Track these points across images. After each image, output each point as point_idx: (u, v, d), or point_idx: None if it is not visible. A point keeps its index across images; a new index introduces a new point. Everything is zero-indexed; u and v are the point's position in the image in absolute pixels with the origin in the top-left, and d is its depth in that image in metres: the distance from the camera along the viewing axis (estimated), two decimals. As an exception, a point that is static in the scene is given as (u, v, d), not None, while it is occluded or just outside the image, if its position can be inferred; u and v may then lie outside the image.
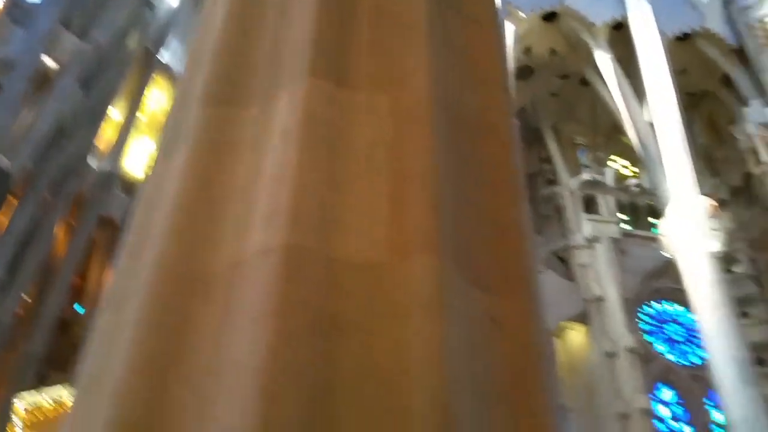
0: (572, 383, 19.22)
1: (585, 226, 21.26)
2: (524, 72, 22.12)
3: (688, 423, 19.98)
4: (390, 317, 1.24)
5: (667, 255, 17.27)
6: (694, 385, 20.11)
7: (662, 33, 20.66)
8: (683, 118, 18.55)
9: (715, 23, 23.52)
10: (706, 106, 25.55)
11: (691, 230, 16.63)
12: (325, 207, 1.36)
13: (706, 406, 19.87)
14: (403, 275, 1.29)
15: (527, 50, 22.06)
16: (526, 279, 1.53)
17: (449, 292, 1.27)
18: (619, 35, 20.81)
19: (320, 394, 1.10)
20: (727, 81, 24.08)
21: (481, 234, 1.51)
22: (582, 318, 19.89)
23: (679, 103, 18.64)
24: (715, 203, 16.99)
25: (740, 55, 23.32)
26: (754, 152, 20.35)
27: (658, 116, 18.78)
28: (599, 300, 19.81)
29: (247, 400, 1.06)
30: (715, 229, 16.17)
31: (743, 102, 22.86)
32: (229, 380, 1.11)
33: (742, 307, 18.45)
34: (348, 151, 1.48)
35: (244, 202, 1.43)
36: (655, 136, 18.93)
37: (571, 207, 22.16)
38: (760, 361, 17.71)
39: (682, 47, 23.09)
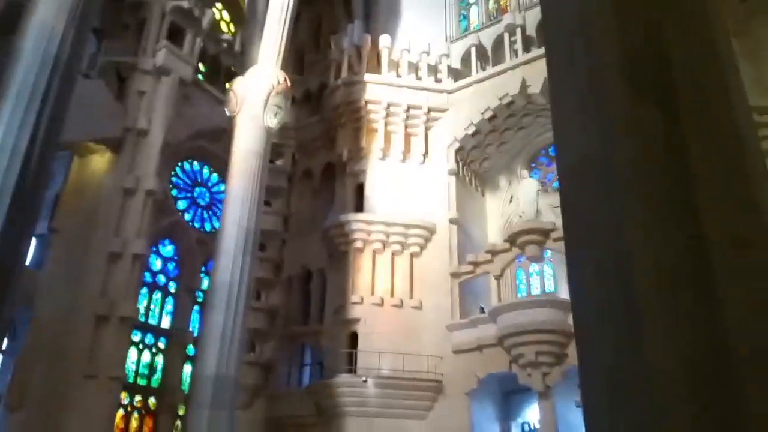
0: (74, 206, 16.83)
1: (161, 54, 18.77)
2: None
3: (175, 280, 20.09)
4: None
5: (228, 114, 16.51)
6: (197, 249, 20.33)
7: None
8: (295, 5, 17.99)
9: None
10: (320, 7, 26.10)
11: (256, 100, 16.25)
12: None
13: (202, 273, 20.34)
14: None
15: None
16: None
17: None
18: None
19: None
20: (346, -7, 25.09)
21: None
22: (114, 145, 17.53)
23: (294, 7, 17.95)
24: (288, 80, 16.88)
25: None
26: (338, 67, 21.46)
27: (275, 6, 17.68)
28: (140, 133, 17.80)
29: None
30: (277, 106, 16.06)
31: (350, 18, 24.11)
32: None
33: (269, 196, 19.37)
34: None
35: None
36: (266, 8, 17.86)
37: (155, 28, 19.28)
38: (262, 247, 18.96)
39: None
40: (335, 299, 18.71)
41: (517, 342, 15.31)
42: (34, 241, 15.85)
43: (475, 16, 23.27)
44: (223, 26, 24.60)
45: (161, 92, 18.68)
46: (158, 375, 18.98)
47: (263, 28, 17.74)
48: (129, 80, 18.61)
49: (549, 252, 18.18)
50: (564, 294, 17.08)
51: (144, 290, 18.85)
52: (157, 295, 19.60)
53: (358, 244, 18.58)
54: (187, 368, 18.89)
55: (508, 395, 17.61)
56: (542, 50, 19.96)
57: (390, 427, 16.20)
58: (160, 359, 19.13)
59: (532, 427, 17.11)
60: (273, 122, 16.18)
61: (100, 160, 17.61)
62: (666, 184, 2.31)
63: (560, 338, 15.01)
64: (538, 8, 20.76)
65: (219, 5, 24.33)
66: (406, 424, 16.36)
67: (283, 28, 17.46)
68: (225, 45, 22.67)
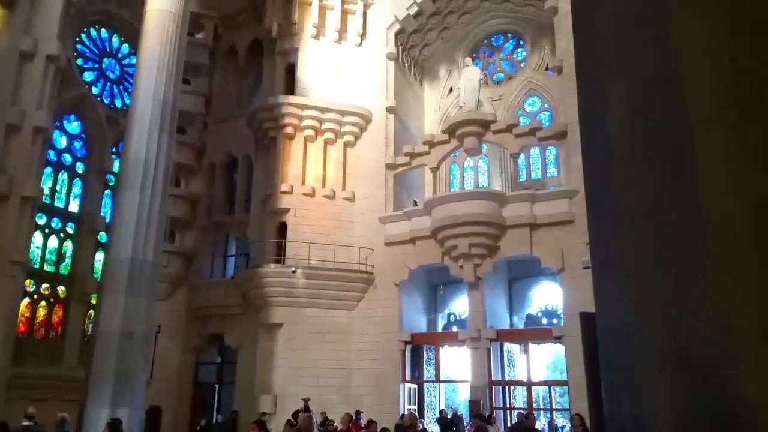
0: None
1: None
2: None
3: (83, 161, 18.27)
4: None
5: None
6: (107, 127, 18.43)
7: None
8: None
9: None
10: None
11: None
12: None
13: (113, 154, 18.54)
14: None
15: None
16: None
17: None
18: None
19: None
20: None
21: None
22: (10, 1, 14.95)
23: None
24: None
25: None
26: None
27: None
28: (36, -11, 15.24)
29: None
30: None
31: None
32: None
33: (188, 74, 17.53)
34: None
35: None
36: None
37: None
38: (181, 130, 17.28)
39: None
40: (263, 188, 17.67)
41: (451, 234, 15.05)
42: None
43: None
44: None
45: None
46: (68, 262, 17.65)
47: None
48: None
49: (486, 146, 17.75)
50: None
51: (48, 170, 17.03)
52: (64, 176, 17.83)
53: (289, 130, 17.35)
54: (100, 256, 17.62)
55: (436, 288, 17.65)
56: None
57: (318, 316, 15.92)
58: (69, 245, 17.72)
59: (459, 317, 17.36)
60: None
61: (-14, 17, 15.07)
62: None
63: (494, 230, 14.86)
64: None
65: None
66: (334, 314, 16.13)
67: None
68: None
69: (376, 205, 16.96)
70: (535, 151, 18.16)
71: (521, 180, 17.68)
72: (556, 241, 14.26)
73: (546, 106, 18.40)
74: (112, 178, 18.19)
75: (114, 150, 18.61)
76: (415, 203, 17.03)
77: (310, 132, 17.50)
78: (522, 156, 17.43)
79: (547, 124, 17.10)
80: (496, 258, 14.93)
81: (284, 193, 16.83)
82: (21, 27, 14.98)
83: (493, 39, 20.23)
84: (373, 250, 16.51)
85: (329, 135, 17.66)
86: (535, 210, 14.74)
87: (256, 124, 18.06)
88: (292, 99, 17.60)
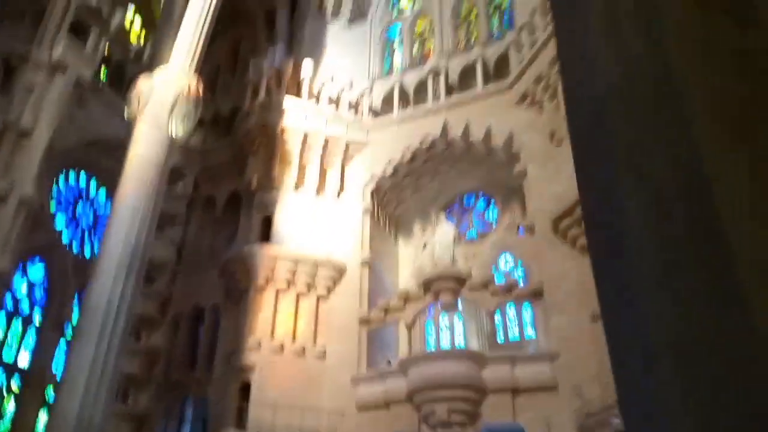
0: None
1: (59, 48, 16.51)
2: None
3: (42, 309, 17.31)
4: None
5: (127, 118, 14.62)
6: (72, 276, 17.76)
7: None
8: (215, 11, 16.55)
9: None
10: (240, 29, 24.85)
11: (162, 101, 14.43)
12: None
13: (74, 304, 17.69)
14: None
15: None
16: None
17: None
18: None
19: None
20: (270, 16, 24.07)
21: None
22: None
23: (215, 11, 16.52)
24: (200, 87, 15.18)
25: (293, 0, 23.59)
26: (255, 89, 20.10)
27: (194, 8, 16.17)
28: (23, 133, 15.30)
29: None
30: (186, 114, 14.34)
31: (272, 43, 23.02)
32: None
33: (163, 222, 17.41)
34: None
35: None
36: (183, 11, 16.38)
37: (56, 19, 17.08)
38: (149, 279, 16.75)
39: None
40: (228, 344, 16.79)
41: (429, 398, 14.13)
42: None
43: (398, 59, 22.91)
44: (134, 36, 22.51)
45: (53, 90, 16.37)
46: (6, 424, 15.95)
47: (177, 32, 16.14)
48: (18, 72, 16.22)
49: (461, 303, 17.43)
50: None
51: (1, 316, 16.01)
52: (17, 325, 16.74)
53: (261, 281, 16.91)
54: (44, 417, 16.02)
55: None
56: (464, 95, 20.15)
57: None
58: (11, 404, 16.15)
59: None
60: (179, 131, 14.38)
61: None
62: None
63: (474, 394, 14.02)
64: (462, 55, 21.37)
65: (131, 9, 22.25)
66: (298, 487, 14.55)
67: (201, 32, 15.78)
68: (133, 53, 20.70)
69: (347, 363, 16.09)
70: (510, 310, 17.86)
71: (499, 341, 17.17)
72: (540, 409, 13.44)
73: (518, 263, 18.45)
74: (71, 330, 17.14)
75: (76, 300, 17.74)
76: (389, 363, 16.21)
77: (282, 284, 17.07)
78: (498, 314, 17.09)
79: (521, 282, 17.00)
80: (477, 427, 13.92)
81: (251, 349, 15.93)
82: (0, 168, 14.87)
83: (464, 198, 20.79)
84: (343, 415, 15.33)
85: (301, 288, 17.24)
86: (516, 372, 14.06)
87: (228, 275, 17.63)
88: (266, 248, 17.38)
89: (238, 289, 17.37)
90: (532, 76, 17.12)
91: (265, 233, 18.33)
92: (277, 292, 16.99)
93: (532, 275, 16.68)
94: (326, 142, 19.24)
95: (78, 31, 17.49)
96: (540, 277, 14.93)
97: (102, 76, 19.24)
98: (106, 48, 18.78)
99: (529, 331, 17.03)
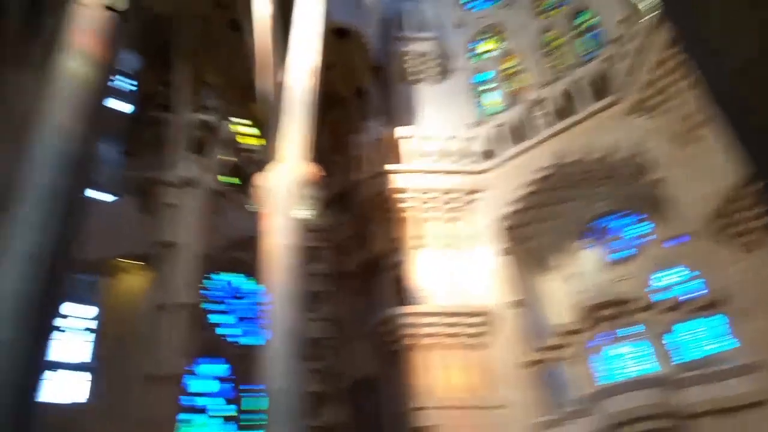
0: (113, 332, 15.28)
1: (185, 165, 18.06)
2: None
3: (228, 401, 18.11)
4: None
5: (250, 209, 15.43)
6: (248, 364, 18.52)
7: (327, 17, 19.49)
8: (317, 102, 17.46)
9: (372, 37, 24.16)
10: (336, 112, 25.98)
11: (283, 191, 15.18)
12: None
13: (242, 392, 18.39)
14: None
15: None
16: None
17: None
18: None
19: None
20: (360, 93, 25.03)
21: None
22: (145, 260, 16.33)
23: (317, 94, 17.46)
24: (317, 170, 15.90)
25: (379, 73, 24.45)
26: (360, 162, 20.83)
27: (295, 91, 17.18)
28: (170, 246, 16.62)
29: None
30: (309, 197, 14.99)
31: (365, 117, 23.87)
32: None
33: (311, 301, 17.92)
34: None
35: None
36: (283, 109, 17.40)
37: (178, 141, 18.77)
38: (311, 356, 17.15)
39: (338, 43, 22.92)
40: (394, 407, 16.62)
41: (629, 432, 13.14)
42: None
43: (494, 100, 22.96)
44: (245, 139, 24.16)
45: (188, 202, 17.76)
46: None
47: (283, 126, 17.07)
48: (154, 195, 17.78)
49: (629, 326, 16.40)
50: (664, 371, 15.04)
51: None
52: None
53: (410, 341, 16.82)
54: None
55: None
56: (571, 119, 19.78)
57: None
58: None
59: None
60: (306, 214, 15.06)
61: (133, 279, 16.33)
62: None
63: (671, 422, 12.91)
64: (559, 81, 21.14)
65: (238, 117, 23.99)
66: None
67: (307, 123, 16.67)
68: (250, 153, 22.19)
69: (522, 409, 15.41)
70: (686, 325, 16.53)
71: (677, 361, 15.89)
72: (748, 428, 12.12)
73: (683, 275, 17.21)
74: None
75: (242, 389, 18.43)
76: (569, 403, 15.36)
77: (432, 340, 16.89)
78: (673, 332, 15.90)
79: (690, 293, 15.80)
80: (683, 456, 12.76)
81: (424, 409, 15.67)
82: (160, 282, 16.09)
83: (600, 220, 19.98)
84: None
85: (451, 340, 16.97)
86: (713, 391, 12.85)
87: (377, 341, 17.71)
88: (407, 309, 17.37)
89: (390, 353, 17.35)
90: (639, 84, 16.58)
91: (402, 293, 18.37)
92: (431, 348, 16.80)
93: (710, 283, 15.48)
94: (447, 193, 19.34)
95: (197, 146, 19.08)
96: (713, 285, 13.84)
97: (226, 181, 20.72)
98: (224, 156, 20.24)
99: (713, 346, 15.66)
